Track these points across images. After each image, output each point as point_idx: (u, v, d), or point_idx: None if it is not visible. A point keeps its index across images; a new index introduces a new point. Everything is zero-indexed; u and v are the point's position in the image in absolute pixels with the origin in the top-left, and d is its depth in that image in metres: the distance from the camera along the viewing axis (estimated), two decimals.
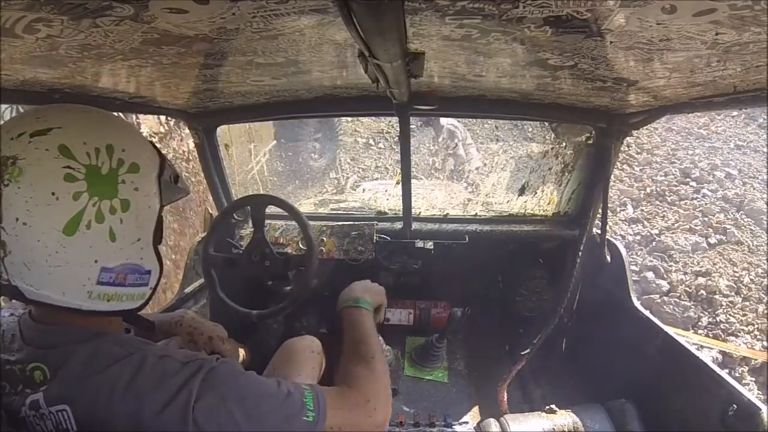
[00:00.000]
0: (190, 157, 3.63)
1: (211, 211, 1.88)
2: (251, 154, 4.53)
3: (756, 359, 3.18)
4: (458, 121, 5.72)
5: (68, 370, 0.63)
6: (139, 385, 0.62)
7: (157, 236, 0.74)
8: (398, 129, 1.61)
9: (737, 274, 3.91)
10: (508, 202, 2.17)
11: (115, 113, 1.07)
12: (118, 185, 0.66)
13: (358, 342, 0.92)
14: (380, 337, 1.78)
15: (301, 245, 1.79)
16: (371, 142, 7.00)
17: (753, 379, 3.13)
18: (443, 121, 5.62)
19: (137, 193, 0.69)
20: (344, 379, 0.84)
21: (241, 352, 1.38)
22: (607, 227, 1.67)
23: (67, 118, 0.66)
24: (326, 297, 1.14)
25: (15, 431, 0.66)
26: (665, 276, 3.91)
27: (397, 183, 1.96)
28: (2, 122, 0.73)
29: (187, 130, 1.86)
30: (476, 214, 2.02)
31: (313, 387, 0.73)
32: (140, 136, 0.75)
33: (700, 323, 3.52)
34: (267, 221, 1.57)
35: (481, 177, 5.13)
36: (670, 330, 1.44)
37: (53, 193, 0.60)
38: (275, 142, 5.32)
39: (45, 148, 0.61)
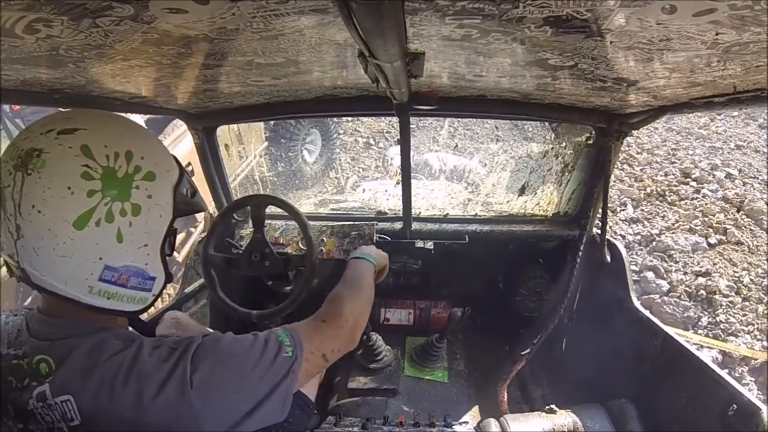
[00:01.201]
0: None
1: (210, 212, 1.88)
2: (240, 156, 4.49)
3: (756, 359, 3.18)
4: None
5: (72, 361, 0.66)
6: (138, 372, 0.66)
7: (167, 246, 0.77)
8: (398, 129, 1.61)
9: (737, 275, 3.91)
10: (508, 202, 2.17)
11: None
12: (131, 190, 0.69)
13: (350, 276, 1.05)
14: (379, 336, 1.79)
15: (301, 245, 1.78)
16: (371, 141, 7.00)
17: (753, 379, 3.13)
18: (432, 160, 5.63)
19: (150, 201, 0.71)
20: (326, 301, 0.95)
21: None
22: (607, 227, 1.67)
23: (94, 122, 0.70)
24: (326, 297, 1.15)
25: (23, 425, 0.67)
26: (665, 276, 3.91)
27: (397, 183, 1.96)
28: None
29: None
30: (476, 214, 2.02)
31: (284, 327, 0.80)
32: (162, 148, 0.78)
33: (700, 323, 3.52)
34: (267, 221, 1.57)
35: (481, 177, 5.13)
36: (670, 330, 1.44)
37: (69, 188, 0.64)
38: (266, 143, 5.30)
39: (69, 145, 0.65)
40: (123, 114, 0.82)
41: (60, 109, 1.11)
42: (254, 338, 0.75)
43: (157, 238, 0.74)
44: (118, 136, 0.70)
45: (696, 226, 4.47)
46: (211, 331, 1.26)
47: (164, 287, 0.79)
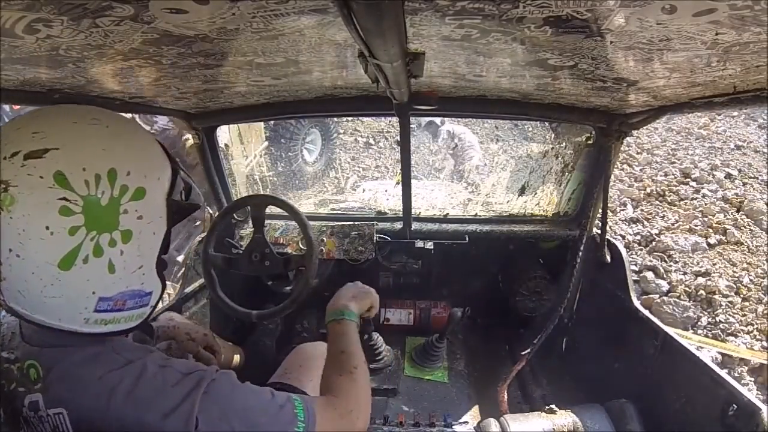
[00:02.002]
0: None
1: (210, 212, 1.88)
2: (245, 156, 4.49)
3: (755, 360, 3.18)
4: (458, 123, 5.74)
5: (64, 371, 0.63)
6: (140, 393, 0.62)
7: (162, 251, 0.71)
8: (398, 129, 1.61)
9: (737, 275, 3.91)
10: (508, 202, 2.17)
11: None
12: (119, 216, 0.61)
13: (342, 352, 0.95)
14: (380, 336, 1.79)
15: (301, 245, 1.78)
16: (371, 141, 7.00)
17: (752, 379, 3.13)
18: (442, 125, 5.66)
19: (141, 222, 0.64)
20: (329, 389, 0.86)
21: (236, 357, 1.39)
22: (607, 227, 1.67)
23: (67, 136, 0.60)
24: (326, 297, 1.15)
25: (17, 429, 0.66)
26: (665, 276, 3.91)
27: (397, 183, 1.96)
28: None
29: None
30: (476, 214, 2.02)
31: (303, 399, 0.75)
32: (151, 148, 0.69)
33: (699, 323, 3.52)
34: (267, 221, 1.57)
35: (481, 177, 5.13)
36: (670, 330, 1.44)
37: (47, 227, 0.56)
38: (266, 143, 5.29)
39: (39, 174, 0.56)
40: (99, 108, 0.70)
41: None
42: (271, 398, 0.72)
43: (151, 256, 0.68)
44: (97, 151, 0.60)
45: (696, 226, 4.47)
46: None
47: (161, 295, 0.75)
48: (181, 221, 0.76)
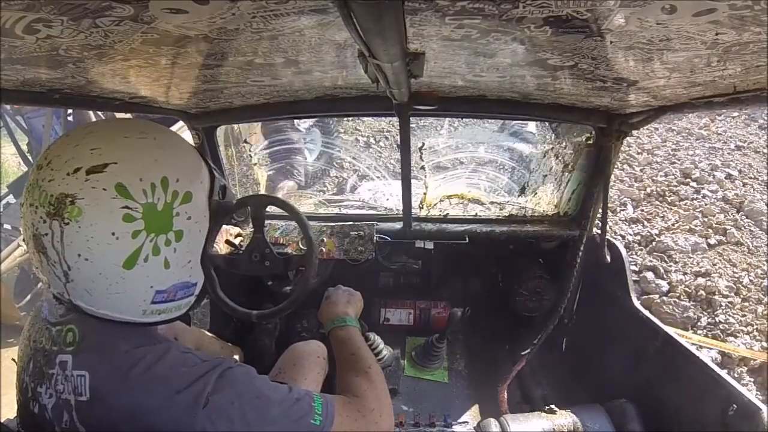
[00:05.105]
0: None
1: None
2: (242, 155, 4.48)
3: (755, 360, 3.17)
4: None
5: (97, 340, 0.68)
6: (158, 370, 0.66)
7: (206, 246, 0.78)
8: (398, 129, 1.61)
9: (737, 275, 3.90)
10: (508, 202, 2.17)
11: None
12: (173, 218, 0.68)
13: (352, 355, 0.97)
14: (379, 336, 1.79)
15: (301, 245, 1.78)
16: (371, 141, 7.00)
17: (752, 379, 3.13)
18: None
19: (190, 222, 0.71)
20: (347, 390, 0.87)
21: (236, 357, 1.39)
22: (607, 227, 1.67)
23: (123, 151, 0.66)
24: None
25: (44, 386, 0.70)
26: (665, 276, 3.90)
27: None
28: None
29: None
30: (476, 214, 2.02)
31: (323, 395, 0.77)
32: (191, 155, 0.76)
33: (699, 323, 3.52)
34: (267, 221, 1.57)
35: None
36: (670, 330, 1.44)
37: (113, 233, 0.63)
38: (266, 142, 5.28)
39: (102, 187, 0.62)
40: (142, 119, 0.78)
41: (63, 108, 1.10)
42: (288, 391, 0.74)
43: (198, 250, 0.76)
44: (150, 163, 0.66)
45: (696, 226, 4.47)
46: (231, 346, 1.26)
47: (205, 285, 0.81)
48: (221, 220, 0.84)
